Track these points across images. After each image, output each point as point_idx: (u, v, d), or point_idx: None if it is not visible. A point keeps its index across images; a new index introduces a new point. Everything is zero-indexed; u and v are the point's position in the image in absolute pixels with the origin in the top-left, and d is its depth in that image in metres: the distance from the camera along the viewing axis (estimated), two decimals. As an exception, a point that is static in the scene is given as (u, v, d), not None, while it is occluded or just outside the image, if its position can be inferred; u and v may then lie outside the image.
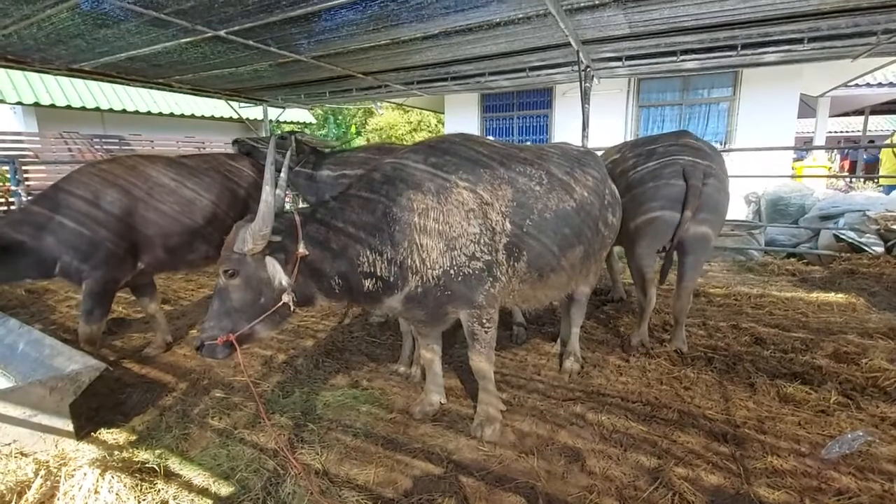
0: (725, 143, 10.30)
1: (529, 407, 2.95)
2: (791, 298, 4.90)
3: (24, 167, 6.55)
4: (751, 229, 7.03)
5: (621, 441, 2.57)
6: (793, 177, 9.04)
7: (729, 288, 5.32)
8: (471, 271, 2.38)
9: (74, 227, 3.18)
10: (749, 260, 6.62)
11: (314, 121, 18.96)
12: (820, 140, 13.51)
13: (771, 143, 9.07)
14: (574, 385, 3.21)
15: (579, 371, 3.38)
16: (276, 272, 2.07)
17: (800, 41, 5.36)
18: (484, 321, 2.53)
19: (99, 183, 3.35)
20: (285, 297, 2.15)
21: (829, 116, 14.86)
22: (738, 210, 8.74)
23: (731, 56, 5.87)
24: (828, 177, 12.67)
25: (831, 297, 4.91)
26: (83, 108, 10.98)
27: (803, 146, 10.23)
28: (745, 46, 5.63)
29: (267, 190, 2.02)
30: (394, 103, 14.30)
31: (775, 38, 5.36)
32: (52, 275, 3.24)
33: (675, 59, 5.99)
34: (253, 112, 10.81)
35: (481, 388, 2.77)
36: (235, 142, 4.85)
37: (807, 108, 12.87)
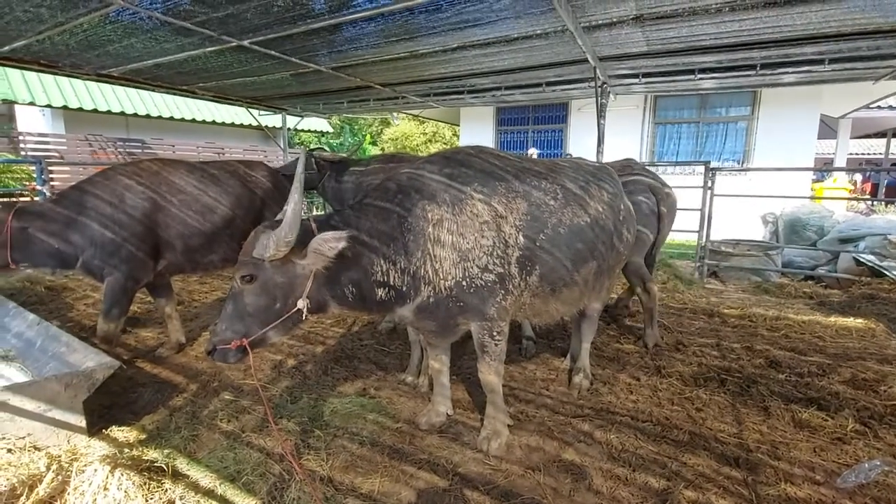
0: (743, 163, 10.21)
1: (537, 422, 2.92)
2: (808, 322, 4.80)
3: (49, 167, 6.76)
4: (767, 250, 6.93)
5: (630, 461, 2.53)
6: (812, 198, 8.91)
7: (744, 309, 5.24)
8: (483, 283, 2.39)
9: (97, 227, 3.29)
10: (765, 281, 6.51)
11: (331, 129, 19.24)
12: (841, 161, 13.32)
13: (789, 164, 8.97)
14: (583, 402, 3.18)
15: (588, 388, 3.34)
16: (329, 242, 2.08)
17: (820, 62, 5.33)
18: (494, 334, 2.53)
19: (123, 185, 3.45)
20: (300, 304, 2.17)
21: (851, 138, 14.66)
22: (754, 230, 8.63)
23: (749, 76, 5.86)
24: (848, 199, 12.45)
25: (850, 321, 4.81)
26: (109, 112, 11.31)
27: (823, 167, 10.10)
28: (763, 66, 5.60)
29: (295, 198, 2.04)
30: (410, 114, 14.46)
31: (795, 58, 5.34)
32: (71, 267, 3.35)
33: (692, 77, 5.99)
34: (272, 120, 11.02)
35: (489, 401, 2.76)
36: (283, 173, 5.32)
37: (827, 129, 12.71)
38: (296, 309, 2.18)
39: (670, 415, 2.99)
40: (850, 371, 3.50)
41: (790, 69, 5.61)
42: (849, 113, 11.80)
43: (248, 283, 2.16)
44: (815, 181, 11.18)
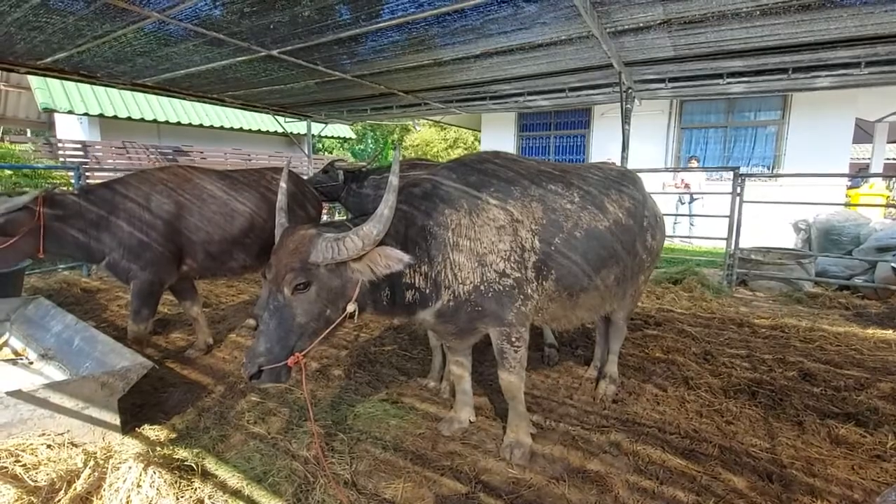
0: (773, 168, 9.95)
1: (561, 431, 2.89)
2: (844, 333, 4.62)
3: (86, 173, 7.08)
4: (800, 258, 6.71)
5: (657, 474, 2.47)
6: (847, 205, 8.59)
7: (775, 319, 5.08)
8: (501, 288, 2.39)
9: (127, 228, 3.40)
10: (797, 291, 6.30)
11: (354, 136, 19.50)
12: (877, 167, 12.84)
13: (823, 169, 8.70)
14: (608, 412, 3.13)
15: (615, 394, 3.29)
16: (391, 259, 2.05)
17: (856, 66, 5.17)
18: (514, 340, 2.51)
19: (150, 188, 3.56)
20: (350, 307, 2.12)
21: (888, 142, 14.13)
22: (786, 238, 8.38)
23: (781, 80, 5.71)
24: (886, 206, 11.95)
25: (889, 333, 4.61)
26: (142, 120, 11.72)
27: (858, 173, 9.74)
28: (796, 70, 5.46)
29: (392, 196, 2.03)
30: (432, 121, 14.57)
31: (829, 62, 5.19)
32: (96, 262, 3.47)
33: (720, 81, 5.87)
34: (297, 127, 11.25)
35: (511, 409, 2.74)
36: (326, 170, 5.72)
37: (863, 133, 12.28)
38: (347, 313, 2.12)
39: (699, 427, 2.92)
40: (889, 385, 3.35)
41: (824, 73, 5.46)
42: (886, 117, 11.39)
43: (301, 290, 2.03)
44: (850, 187, 10.78)
